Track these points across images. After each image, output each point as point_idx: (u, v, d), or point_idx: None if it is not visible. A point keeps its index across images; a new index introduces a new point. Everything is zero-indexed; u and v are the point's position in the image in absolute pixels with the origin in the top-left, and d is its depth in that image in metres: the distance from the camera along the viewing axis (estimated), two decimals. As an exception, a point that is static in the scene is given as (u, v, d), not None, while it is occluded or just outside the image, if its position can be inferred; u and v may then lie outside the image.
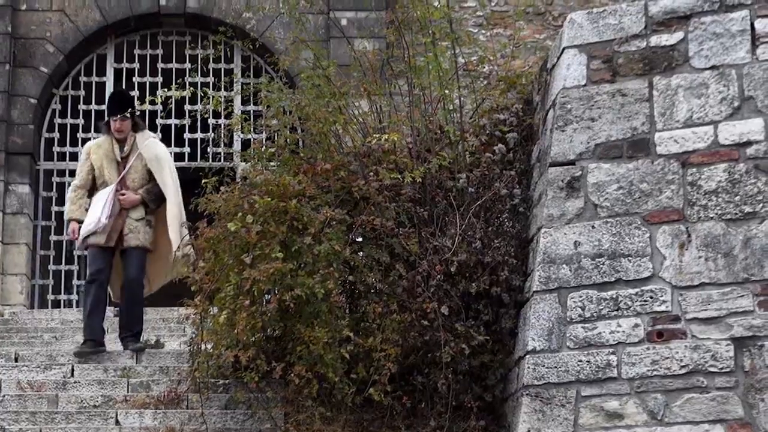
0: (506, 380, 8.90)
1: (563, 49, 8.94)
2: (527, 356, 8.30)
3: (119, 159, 10.33)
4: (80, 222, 10.25)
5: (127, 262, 10.34)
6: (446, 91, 10.15)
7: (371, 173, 9.42)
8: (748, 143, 8.23)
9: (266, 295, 9.05)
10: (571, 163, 8.63)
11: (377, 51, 11.77)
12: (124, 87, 16.78)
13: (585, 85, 8.77)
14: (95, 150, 10.44)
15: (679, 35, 8.62)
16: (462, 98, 10.29)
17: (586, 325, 8.24)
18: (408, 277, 8.98)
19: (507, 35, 13.20)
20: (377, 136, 9.45)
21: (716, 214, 8.16)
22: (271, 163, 10.35)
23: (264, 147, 10.63)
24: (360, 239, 9.30)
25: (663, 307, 8.10)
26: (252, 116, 13.42)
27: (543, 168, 8.93)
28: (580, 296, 8.30)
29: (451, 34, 10.33)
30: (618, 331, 8.15)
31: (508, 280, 8.90)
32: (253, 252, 8.87)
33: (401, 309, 8.89)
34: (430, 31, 10.29)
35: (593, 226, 8.42)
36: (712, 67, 8.47)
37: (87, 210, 10.28)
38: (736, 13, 8.52)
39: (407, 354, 8.90)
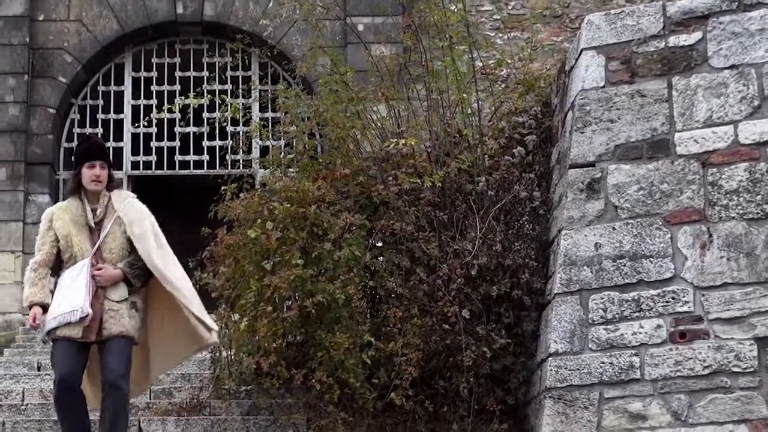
0: (528, 383, 8.88)
1: (581, 50, 8.92)
2: (549, 359, 8.28)
3: (92, 224, 7.65)
4: (44, 307, 7.51)
5: (107, 357, 7.48)
6: (464, 95, 10.12)
7: (390, 178, 9.41)
8: (769, 142, 8.21)
9: (287, 302, 9.04)
10: (591, 164, 8.61)
11: (394, 56, 11.77)
12: (141, 96, 16.83)
13: (603, 87, 8.74)
14: (59, 215, 7.72)
15: (697, 35, 8.59)
16: (480, 102, 10.28)
17: (608, 326, 8.21)
18: (428, 281, 8.97)
19: (524, 38, 13.19)
20: (395, 140, 9.45)
21: (737, 213, 8.12)
22: (290, 170, 10.33)
23: (282, 153, 10.62)
24: (380, 244, 9.29)
25: (685, 308, 8.07)
26: (270, 123, 13.45)
27: (563, 170, 8.91)
28: (602, 298, 8.27)
29: (468, 38, 10.32)
30: (640, 333, 8.12)
31: (529, 283, 8.88)
32: (273, 258, 8.87)
33: (422, 313, 8.88)
34: (447, 35, 10.26)
35: (614, 228, 8.40)
36: (732, 67, 8.44)
37: (52, 292, 7.67)
38: (755, 12, 8.49)
39: (428, 358, 8.88)
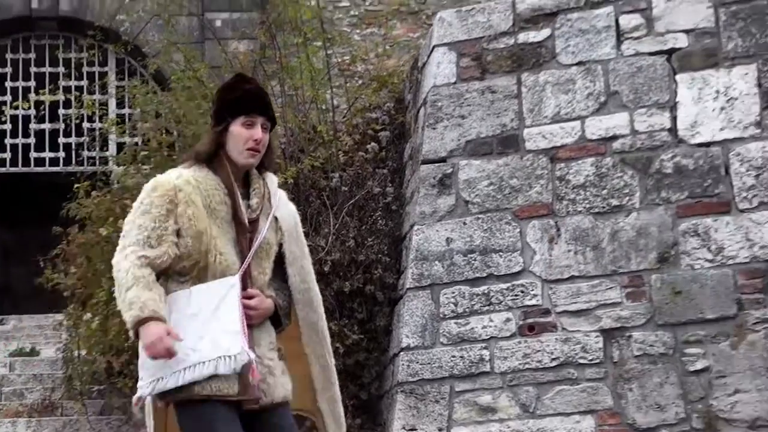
0: (382, 378, 8.92)
1: (433, 47, 8.99)
2: (401, 353, 8.32)
3: (245, 222, 4.73)
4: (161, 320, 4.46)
5: None
6: (319, 91, 10.13)
7: (244, 174, 9.36)
8: (615, 137, 8.35)
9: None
10: (443, 160, 8.68)
11: (249, 52, 11.72)
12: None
13: (455, 83, 8.82)
14: (189, 194, 4.63)
15: (546, 32, 8.72)
16: (335, 98, 10.29)
17: (459, 320, 8.29)
18: (281, 278, 8.95)
19: (381, 34, 13.24)
20: (248, 136, 9.41)
21: (584, 207, 8.26)
22: (145, 167, 10.22)
23: (136, 150, 10.52)
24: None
25: (534, 301, 8.19)
26: (127, 119, 13.29)
27: (415, 166, 8.97)
28: (453, 292, 8.34)
29: (322, 34, 10.32)
30: (490, 326, 8.21)
31: (382, 278, 8.93)
32: (124, 256, 8.77)
33: (275, 309, 8.85)
34: (302, 32, 10.26)
35: (465, 223, 8.48)
36: (579, 63, 8.58)
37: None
38: (601, 9, 8.64)
39: (283, 354, 8.86)
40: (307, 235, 8.94)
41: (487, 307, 8.26)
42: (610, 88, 8.45)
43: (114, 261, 4.61)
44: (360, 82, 11.32)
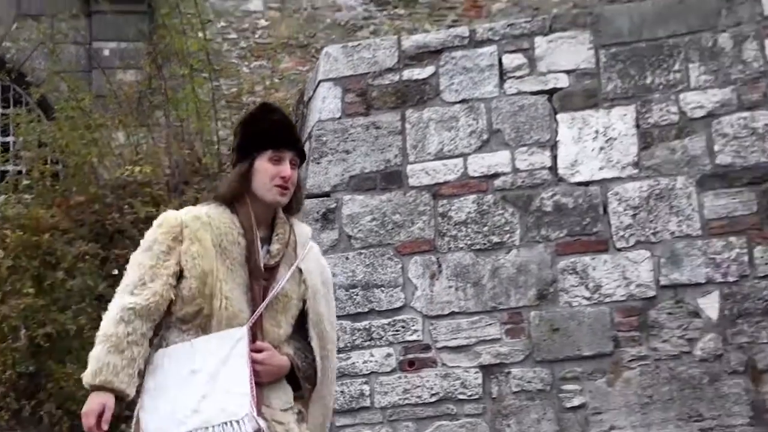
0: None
1: (319, 81, 9.03)
2: (282, 388, 8.31)
3: (261, 267, 4.25)
4: (120, 397, 4.09)
5: None
6: (204, 123, 10.11)
7: (126, 206, 9.32)
8: (496, 175, 8.44)
9: (23, 331, 8.86)
10: (326, 195, 8.70)
11: (134, 83, 11.67)
12: None
13: (340, 118, 8.86)
14: (197, 231, 4.22)
15: (430, 69, 8.80)
16: (222, 130, 10.28)
17: (340, 355, 8.26)
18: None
19: (270, 67, 13.26)
20: (130, 168, 9.38)
21: (465, 244, 8.34)
22: (26, 196, 10.12)
23: (18, 179, 10.41)
24: (116, 272, 9.18)
25: (414, 336, 8.23)
26: (12, 147, 13.13)
27: (299, 199, 8.97)
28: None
29: (209, 66, 10.32)
30: (371, 361, 8.24)
31: (264, 312, 8.90)
32: (3, 287, 8.67)
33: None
34: (189, 63, 10.25)
35: (347, 258, 8.50)
36: (462, 101, 8.67)
37: (138, 373, 4.16)
38: (485, 48, 8.75)
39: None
40: (189, 267, 8.99)
41: (368, 342, 8.29)
42: (492, 126, 8.55)
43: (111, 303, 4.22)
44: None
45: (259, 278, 4.20)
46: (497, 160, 8.47)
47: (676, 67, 8.37)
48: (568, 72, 8.53)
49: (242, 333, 4.10)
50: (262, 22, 14.33)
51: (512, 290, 8.19)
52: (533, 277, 8.19)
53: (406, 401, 8.11)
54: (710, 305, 7.95)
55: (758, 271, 7.93)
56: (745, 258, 7.96)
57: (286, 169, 4.25)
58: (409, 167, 8.62)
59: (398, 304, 8.33)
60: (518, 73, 8.61)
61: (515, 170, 8.42)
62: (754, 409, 7.77)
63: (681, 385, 7.88)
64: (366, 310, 8.35)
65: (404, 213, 8.51)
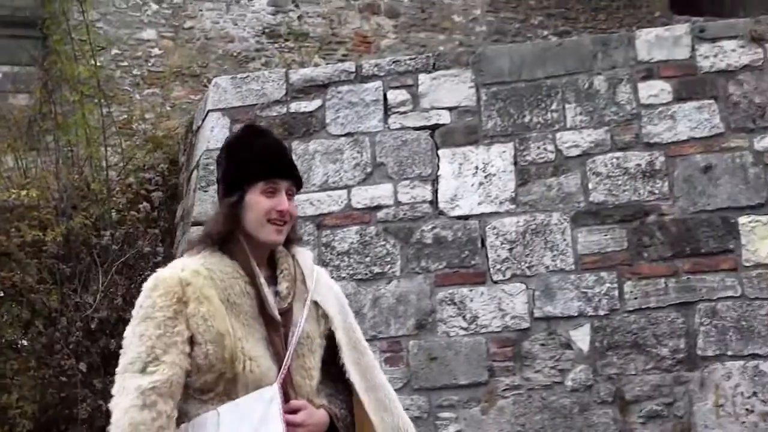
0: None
1: (208, 111, 9.19)
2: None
3: (276, 316, 3.77)
4: None
5: None
6: (95, 149, 10.20)
7: (13, 229, 9.38)
8: (379, 207, 8.66)
9: None
10: (213, 222, 8.82)
11: (24, 107, 11.72)
12: None
13: (228, 148, 8.99)
14: (200, 288, 3.72)
15: (317, 102, 9.00)
16: (113, 156, 10.38)
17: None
18: (47, 333, 8.98)
19: (163, 95, 13.38)
20: (16, 191, 9.44)
21: (348, 274, 8.53)
22: None
23: None
24: (0, 295, 9.24)
25: (295, 363, 8.37)
26: None
27: (186, 227, 9.12)
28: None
29: (99, 93, 10.42)
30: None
31: (149, 337, 9.00)
32: None
33: (40, 365, 8.89)
34: (79, 90, 10.34)
35: (232, 285, 8.62)
36: (348, 134, 8.89)
37: None
38: (371, 84, 8.98)
39: (45, 410, 8.88)
40: (75, 291, 9.08)
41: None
42: (376, 160, 8.77)
43: (113, 392, 3.65)
44: (138, 141, 11.45)
45: (278, 328, 3.70)
46: (380, 192, 8.69)
47: (554, 107, 8.67)
48: (450, 109, 8.79)
49: (273, 392, 3.57)
50: (156, 51, 14.46)
51: (392, 319, 8.40)
52: (413, 307, 8.41)
53: (286, 427, 8.25)
54: (581, 338, 8.22)
55: (628, 305, 8.21)
56: (616, 292, 8.24)
57: (282, 201, 3.74)
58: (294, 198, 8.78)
59: (280, 331, 8.48)
60: (402, 109, 8.85)
61: (397, 203, 8.65)
62: (621, 438, 8.01)
63: (552, 414, 8.13)
64: (249, 336, 8.48)
65: (289, 242, 8.67)
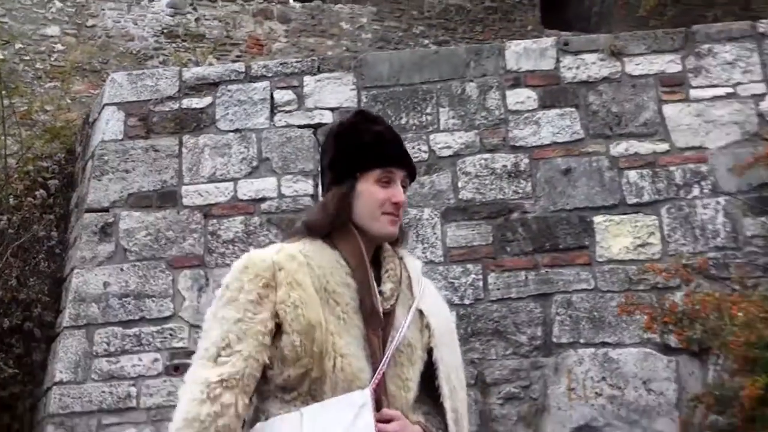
0: (35, 409, 9.33)
1: (104, 105, 9.60)
2: (54, 387, 8.79)
3: (379, 312, 3.41)
4: None
5: None
6: (-6, 138, 10.57)
7: None
8: (263, 199, 9.14)
9: None
10: (106, 210, 9.25)
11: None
12: None
13: (122, 140, 9.43)
14: (294, 273, 3.43)
15: (208, 100, 9.47)
16: (12, 145, 10.75)
17: (111, 358, 8.82)
18: (-58, 313, 9.32)
19: (63, 89, 13.72)
20: None
21: (232, 261, 8.91)
22: None
23: None
24: None
25: (181, 344, 8.81)
26: None
27: (80, 213, 9.50)
28: (107, 332, 8.88)
29: (0, 84, 10.76)
30: (139, 365, 8.78)
31: (41, 316, 9.39)
32: None
33: (-65, 343, 9.21)
34: (-18, 81, 10.70)
35: (122, 269, 9.07)
36: (236, 130, 9.36)
37: None
38: (259, 83, 9.47)
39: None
40: (-29, 273, 9.43)
41: (137, 348, 8.82)
42: (262, 155, 9.25)
43: (185, 378, 3.38)
44: (38, 132, 11.81)
45: (378, 327, 3.34)
46: (265, 185, 9.16)
47: (429, 110, 9.21)
48: (332, 109, 9.29)
49: (365, 398, 3.20)
50: (59, 47, 14.83)
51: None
52: (292, 294, 8.88)
53: (170, 403, 8.55)
54: (448, 324, 8.76)
55: (491, 295, 8.71)
56: (480, 283, 8.75)
57: (398, 192, 3.46)
58: (183, 188, 9.24)
59: (167, 314, 8.89)
60: (287, 108, 9.35)
61: (281, 195, 9.12)
62: (481, 418, 8.45)
63: (418, 395, 8.64)
64: (137, 317, 8.90)
65: (177, 230, 9.13)
